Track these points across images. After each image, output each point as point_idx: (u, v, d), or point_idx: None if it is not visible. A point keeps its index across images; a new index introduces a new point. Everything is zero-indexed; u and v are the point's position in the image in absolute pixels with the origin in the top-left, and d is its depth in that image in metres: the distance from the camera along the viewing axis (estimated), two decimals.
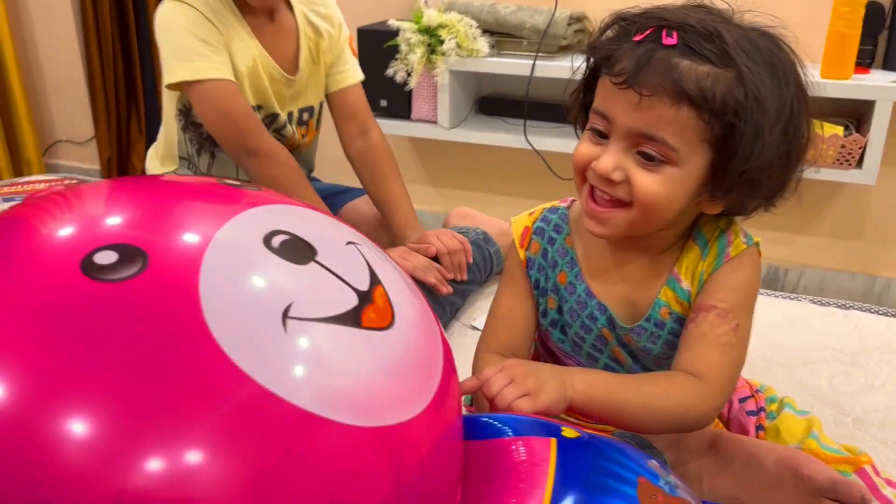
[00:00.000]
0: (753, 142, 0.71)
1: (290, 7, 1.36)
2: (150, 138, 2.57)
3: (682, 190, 0.75)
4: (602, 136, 0.77)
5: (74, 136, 2.89)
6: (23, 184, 1.58)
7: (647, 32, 0.73)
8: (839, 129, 1.80)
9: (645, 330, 0.85)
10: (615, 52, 0.74)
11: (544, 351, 0.98)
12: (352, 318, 0.53)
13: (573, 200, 0.93)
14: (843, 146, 1.79)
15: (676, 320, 0.83)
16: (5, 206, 1.42)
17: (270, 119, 1.37)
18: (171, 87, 1.25)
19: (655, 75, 0.71)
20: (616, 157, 0.75)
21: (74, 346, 0.45)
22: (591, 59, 0.79)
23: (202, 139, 1.39)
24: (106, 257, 0.48)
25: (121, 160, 2.83)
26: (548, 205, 0.93)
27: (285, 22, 1.35)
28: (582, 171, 0.79)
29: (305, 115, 1.44)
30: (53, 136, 2.93)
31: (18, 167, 2.80)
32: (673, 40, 0.71)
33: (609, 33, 0.78)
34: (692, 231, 0.84)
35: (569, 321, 0.88)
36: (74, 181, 1.58)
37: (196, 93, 1.24)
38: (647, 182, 0.74)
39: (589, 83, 0.81)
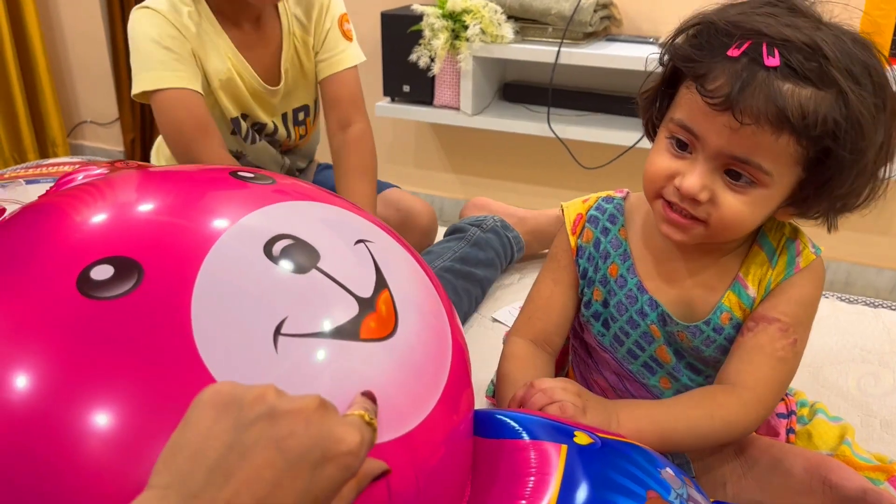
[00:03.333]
0: (852, 164, 0.68)
1: (278, 11, 1.28)
2: None
3: (766, 209, 0.74)
4: (682, 146, 0.73)
5: (99, 118, 2.91)
6: (47, 166, 1.58)
7: (745, 48, 0.67)
8: None
9: (701, 332, 0.82)
10: (707, 65, 0.69)
11: (577, 342, 0.95)
12: (349, 331, 0.52)
13: (628, 191, 0.90)
14: None
15: (735, 326, 0.81)
16: (30, 188, 1.42)
17: (259, 127, 1.32)
18: (137, 97, 1.19)
19: (758, 101, 0.65)
20: (703, 177, 0.71)
21: (68, 371, 0.45)
22: (671, 63, 0.74)
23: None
24: (102, 272, 0.48)
25: (144, 142, 2.84)
26: (602, 193, 0.90)
27: (269, 28, 1.27)
28: (658, 183, 0.75)
29: (301, 115, 1.38)
30: (78, 117, 2.95)
31: (44, 147, 2.83)
32: (775, 61, 0.65)
33: (691, 34, 0.72)
34: (756, 234, 0.81)
35: (614, 315, 0.85)
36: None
37: (155, 102, 1.18)
38: (734, 203, 0.71)
39: (665, 87, 0.76)
